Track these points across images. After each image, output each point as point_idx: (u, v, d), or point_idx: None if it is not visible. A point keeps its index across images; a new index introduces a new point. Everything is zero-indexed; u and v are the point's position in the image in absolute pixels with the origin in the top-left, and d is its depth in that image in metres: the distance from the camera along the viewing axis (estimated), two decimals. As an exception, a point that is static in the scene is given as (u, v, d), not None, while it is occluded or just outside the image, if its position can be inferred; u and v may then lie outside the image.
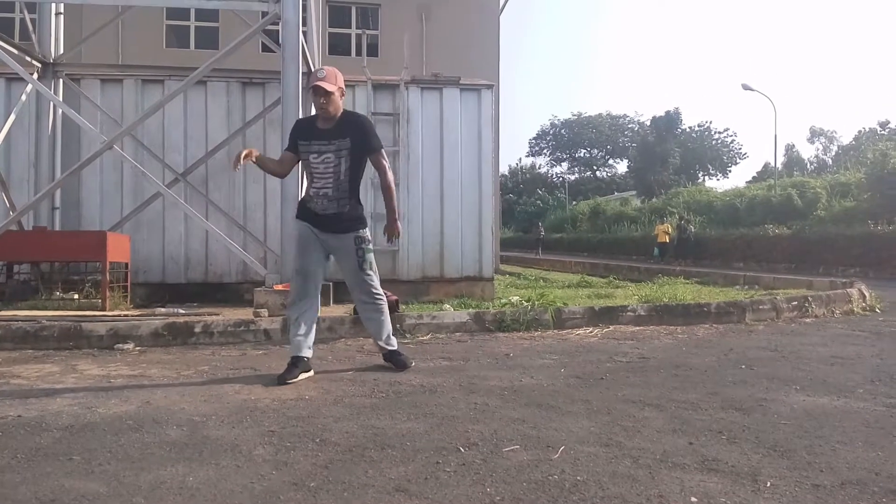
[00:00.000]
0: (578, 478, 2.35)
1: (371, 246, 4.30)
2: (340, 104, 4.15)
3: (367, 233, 4.30)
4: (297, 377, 3.97)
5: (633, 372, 4.28)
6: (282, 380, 3.91)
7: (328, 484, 2.30)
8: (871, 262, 17.19)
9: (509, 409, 3.31)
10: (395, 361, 4.33)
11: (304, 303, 4.19)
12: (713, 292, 9.54)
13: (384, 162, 4.27)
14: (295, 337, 4.13)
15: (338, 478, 2.36)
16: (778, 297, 7.42)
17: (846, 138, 56.72)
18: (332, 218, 4.16)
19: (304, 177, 4.26)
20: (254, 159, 4.04)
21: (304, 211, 4.23)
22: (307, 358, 4.12)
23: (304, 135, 4.18)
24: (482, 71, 15.39)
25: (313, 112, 4.43)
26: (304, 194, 4.27)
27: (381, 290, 4.36)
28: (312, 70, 8.25)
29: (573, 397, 3.58)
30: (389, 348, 4.36)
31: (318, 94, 4.03)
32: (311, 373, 4.11)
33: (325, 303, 7.04)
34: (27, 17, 8.71)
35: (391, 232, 4.36)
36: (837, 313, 7.49)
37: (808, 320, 7.02)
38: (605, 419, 3.13)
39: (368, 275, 4.25)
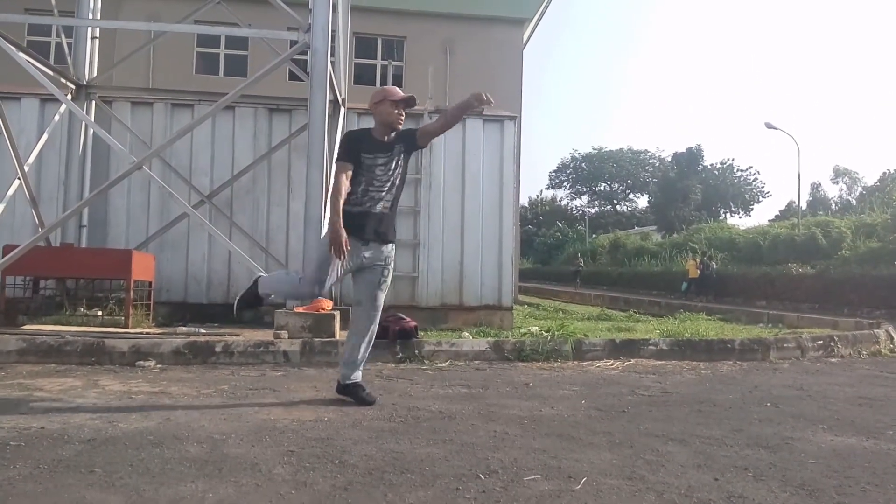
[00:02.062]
0: (601, 509, 2.30)
1: (392, 271, 4.24)
2: None
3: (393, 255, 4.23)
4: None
5: (655, 406, 4.21)
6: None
7: (347, 506, 2.28)
8: (897, 303, 16.84)
9: (529, 439, 3.27)
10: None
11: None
12: (736, 329, 9.41)
13: None
14: None
15: (357, 500, 2.33)
16: (803, 336, 7.30)
17: (870, 179, 56.24)
18: (381, 217, 4.09)
19: (356, 182, 4.05)
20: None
21: (348, 217, 3.97)
22: None
23: (368, 148, 4.13)
24: (505, 103, 15.48)
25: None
26: (349, 199, 4.05)
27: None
28: (339, 95, 8.40)
29: (594, 429, 3.53)
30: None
31: (405, 105, 4.13)
32: None
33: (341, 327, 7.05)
34: (63, 40, 8.94)
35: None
36: (864, 354, 7.35)
37: (833, 360, 6.88)
38: (628, 452, 3.08)
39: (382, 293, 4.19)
